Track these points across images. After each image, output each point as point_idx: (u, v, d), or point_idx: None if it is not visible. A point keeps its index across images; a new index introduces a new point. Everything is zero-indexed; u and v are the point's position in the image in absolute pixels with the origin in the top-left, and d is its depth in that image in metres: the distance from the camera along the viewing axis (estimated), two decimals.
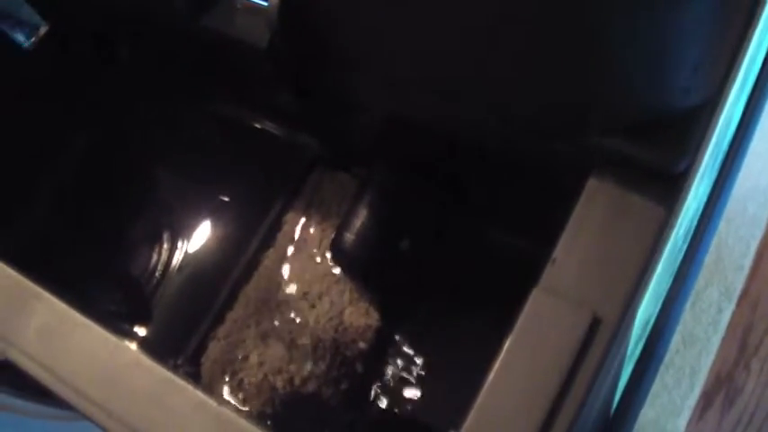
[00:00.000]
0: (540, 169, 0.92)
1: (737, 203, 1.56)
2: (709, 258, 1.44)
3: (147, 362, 0.80)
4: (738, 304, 1.51)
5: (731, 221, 1.53)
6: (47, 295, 0.85)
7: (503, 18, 0.68)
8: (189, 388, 0.77)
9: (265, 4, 0.84)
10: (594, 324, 0.72)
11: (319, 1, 0.82)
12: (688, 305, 1.41)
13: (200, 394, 0.76)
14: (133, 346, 0.85)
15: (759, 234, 1.55)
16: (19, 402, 1.15)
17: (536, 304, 0.74)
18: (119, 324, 1.34)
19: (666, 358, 1.40)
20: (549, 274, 0.75)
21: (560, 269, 0.75)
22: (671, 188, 0.76)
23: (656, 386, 1.45)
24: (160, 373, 0.79)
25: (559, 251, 0.76)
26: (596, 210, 0.77)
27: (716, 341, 1.48)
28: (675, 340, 1.47)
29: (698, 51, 0.68)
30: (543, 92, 0.76)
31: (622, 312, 0.73)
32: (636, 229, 0.75)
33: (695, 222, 0.88)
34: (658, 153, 0.75)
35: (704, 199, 0.89)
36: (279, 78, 0.97)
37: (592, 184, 0.77)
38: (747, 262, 1.53)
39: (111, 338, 0.82)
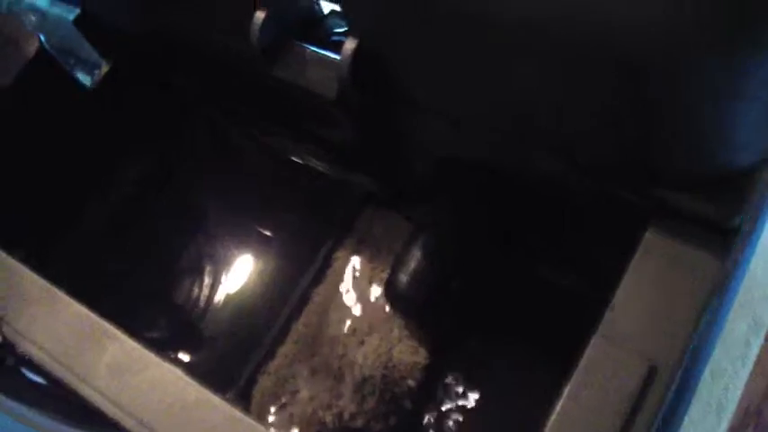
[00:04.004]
0: (599, 216, 0.94)
1: (766, 235, 1.56)
2: None
3: (216, 400, 0.83)
4: (767, 338, 1.51)
5: (760, 254, 1.53)
6: (118, 333, 0.88)
7: (580, 80, 0.72)
8: (259, 427, 0.80)
9: (337, 57, 0.88)
10: (652, 372, 0.75)
11: (394, 55, 0.86)
12: None
13: None
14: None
15: None
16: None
17: (595, 351, 0.77)
18: (170, 353, 1.37)
19: None
20: (608, 322, 0.78)
21: (619, 317, 0.78)
22: (725, 242, 0.79)
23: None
24: (229, 412, 0.82)
25: (618, 299, 0.78)
26: (653, 260, 0.79)
27: (744, 375, 1.46)
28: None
29: (762, 113, 0.70)
30: (614, 147, 0.79)
31: (678, 361, 0.76)
32: (691, 280, 0.78)
33: None
34: (716, 208, 0.77)
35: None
36: (343, 123, 1.01)
37: (650, 235, 0.80)
38: None
39: (180, 376, 0.85)
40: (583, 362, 0.76)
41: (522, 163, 0.92)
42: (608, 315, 0.77)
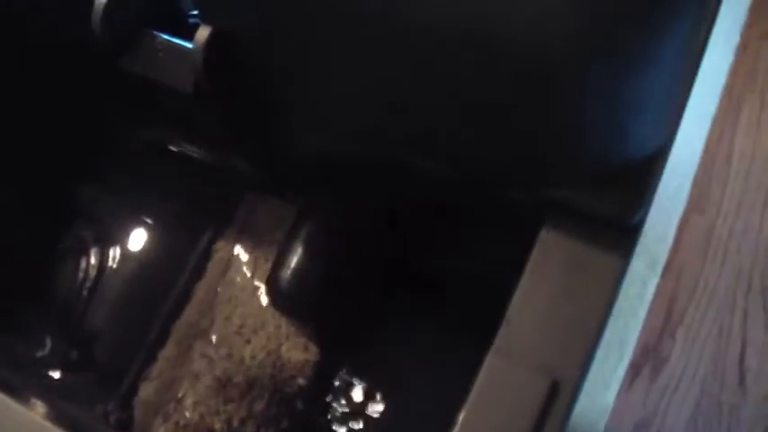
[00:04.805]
0: (493, 215, 0.87)
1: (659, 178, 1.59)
2: None
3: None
4: (663, 276, 1.55)
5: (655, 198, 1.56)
6: None
7: (455, 75, 0.64)
8: None
9: (189, 46, 0.78)
10: (554, 388, 0.68)
11: (247, 43, 0.77)
12: None
13: None
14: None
15: (681, 207, 1.59)
16: None
17: (491, 370, 0.70)
18: (44, 371, 1.26)
19: None
20: (504, 337, 0.71)
21: (515, 331, 0.71)
22: (626, 238, 0.73)
23: None
24: None
25: (512, 311, 0.71)
26: (550, 265, 0.73)
27: (642, 313, 1.53)
28: None
29: (659, 103, 0.64)
30: (495, 146, 0.71)
31: (581, 372, 0.69)
32: (592, 283, 0.72)
33: None
34: (615, 204, 0.71)
35: None
36: (205, 117, 0.91)
37: (544, 236, 0.73)
38: (670, 234, 1.56)
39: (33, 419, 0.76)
40: (478, 383, 0.69)
41: (402, 164, 0.84)
42: (503, 330, 0.70)
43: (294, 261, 1.08)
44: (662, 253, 1.56)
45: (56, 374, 1.28)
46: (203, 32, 0.76)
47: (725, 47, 1.72)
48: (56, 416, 0.77)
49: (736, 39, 1.76)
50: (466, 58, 0.63)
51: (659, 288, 1.54)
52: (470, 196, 0.86)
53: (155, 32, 0.85)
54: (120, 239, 1.37)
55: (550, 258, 0.72)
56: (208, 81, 0.78)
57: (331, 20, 0.68)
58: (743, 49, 1.74)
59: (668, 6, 0.55)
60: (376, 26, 0.65)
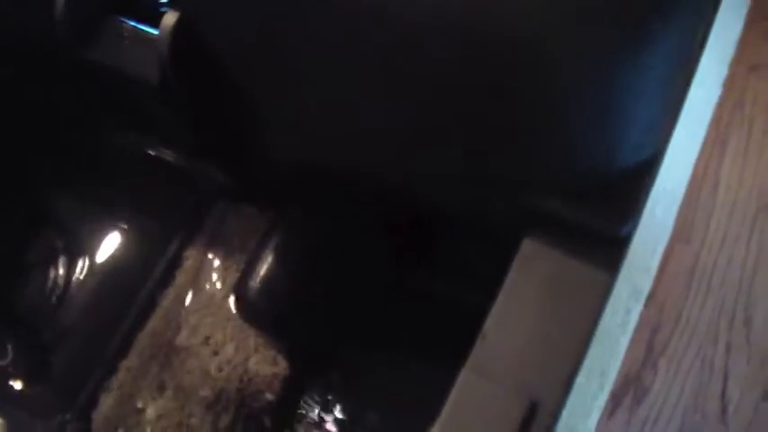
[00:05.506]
0: (471, 224, 0.83)
1: (645, 209, 1.58)
2: None
3: None
4: (646, 305, 1.51)
5: (641, 227, 1.55)
6: None
7: (438, 67, 0.60)
8: None
9: (155, 32, 0.73)
10: (531, 410, 0.64)
11: (217, 30, 0.72)
12: None
13: None
14: None
15: (666, 237, 1.56)
16: None
17: (466, 387, 0.65)
18: (3, 380, 1.21)
19: None
20: (480, 352, 0.66)
21: (492, 347, 0.66)
22: (613, 251, 0.68)
23: None
24: None
25: (489, 326, 0.66)
26: (532, 277, 0.68)
27: (624, 342, 1.49)
28: None
29: (648, 110, 0.60)
30: (477, 144, 0.67)
31: (562, 395, 0.65)
32: (577, 299, 0.67)
33: None
34: (602, 214, 0.66)
35: None
36: (172, 113, 0.86)
37: (526, 247, 0.68)
38: (654, 264, 1.54)
39: None
40: (451, 399, 0.64)
41: (377, 171, 0.80)
42: (479, 345, 0.65)
43: (263, 270, 1.03)
44: (645, 282, 1.54)
45: (17, 385, 1.23)
46: (170, 18, 0.71)
47: (713, 79, 1.71)
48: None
49: (724, 71, 1.74)
50: (450, 52, 0.59)
51: (642, 318, 1.51)
52: (448, 204, 0.81)
53: (120, 19, 0.80)
54: (90, 248, 1.32)
55: (532, 271, 0.68)
56: (173, 70, 0.74)
57: (311, 11, 0.64)
58: (731, 81, 1.73)
59: (656, 11, 0.52)
60: (354, 19, 0.61)
